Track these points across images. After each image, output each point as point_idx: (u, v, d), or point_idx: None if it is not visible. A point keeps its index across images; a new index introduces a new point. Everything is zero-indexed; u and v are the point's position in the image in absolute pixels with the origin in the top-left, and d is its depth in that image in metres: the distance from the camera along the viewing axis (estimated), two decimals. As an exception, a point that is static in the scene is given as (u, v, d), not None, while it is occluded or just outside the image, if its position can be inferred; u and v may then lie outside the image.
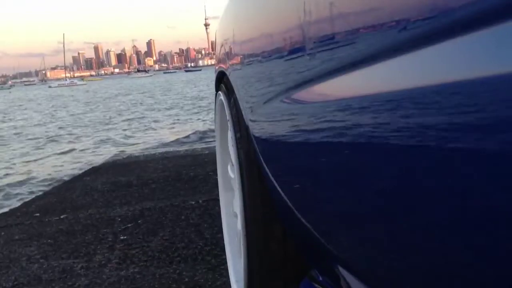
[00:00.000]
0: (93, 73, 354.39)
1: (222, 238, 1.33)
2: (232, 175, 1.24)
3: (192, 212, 1.83)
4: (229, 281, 1.14)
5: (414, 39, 0.32)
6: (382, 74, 0.37)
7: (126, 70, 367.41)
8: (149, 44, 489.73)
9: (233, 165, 1.06)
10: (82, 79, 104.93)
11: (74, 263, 1.50)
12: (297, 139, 0.61)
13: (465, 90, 0.28)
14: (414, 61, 0.33)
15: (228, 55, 1.07)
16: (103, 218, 1.91)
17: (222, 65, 1.15)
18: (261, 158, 0.81)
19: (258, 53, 0.80)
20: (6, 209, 2.57)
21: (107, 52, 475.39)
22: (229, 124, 1.00)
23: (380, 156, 0.38)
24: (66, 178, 3.45)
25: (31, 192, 3.40)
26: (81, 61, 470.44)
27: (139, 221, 1.83)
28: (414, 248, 0.38)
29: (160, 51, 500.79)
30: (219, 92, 1.20)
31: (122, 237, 1.64)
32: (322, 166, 0.53)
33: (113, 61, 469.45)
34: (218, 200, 1.39)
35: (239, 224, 0.96)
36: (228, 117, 1.02)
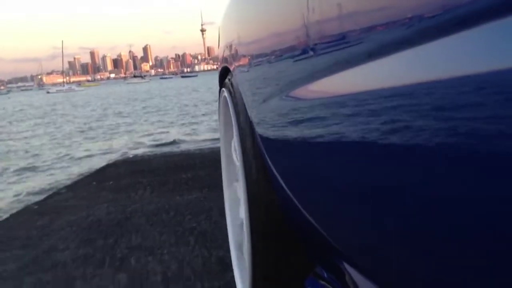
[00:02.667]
0: (89, 78, 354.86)
1: (205, 184, 2.69)
2: (236, 171, 1.28)
3: (185, 179, 3.24)
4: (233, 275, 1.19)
5: (412, 36, 0.33)
6: (380, 72, 0.38)
7: (122, 75, 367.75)
8: (145, 49, 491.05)
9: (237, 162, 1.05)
10: (79, 84, 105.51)
11: (126, 194, 2.92)
12: (301, 135, 0.60)
13: (459, 88, 0.28)
14: (414, 58, 0.33)
15: (232, 51, 1.07)
16: (134, 182, 3.33)
17: (225, 62, 1.15)
18: (266, 154, 0.82)
19: (261, 50, 0.80)
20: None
21: (103, 57, 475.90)
22: (233, 120, 1.01)
23: (384, 152, 0.38)
24: (96, 167, 4.82)
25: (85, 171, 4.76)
26: (77, 66, 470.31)
27: (155, 183, 3.24)
28: (419, 244, 0.38)
29: (157, 56, 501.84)
30: (223, 88, 1.20)
31: (148, 187, 3.06)
32: (327, 162, 0.53)
33: (109, 66, 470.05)
34: (200, 176, 2.58)
35: (244, 223, 0.97)
36: (232, 113, 1.02)
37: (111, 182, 3.28)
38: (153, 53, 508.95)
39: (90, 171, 4.51)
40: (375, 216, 0.44)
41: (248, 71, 0.92)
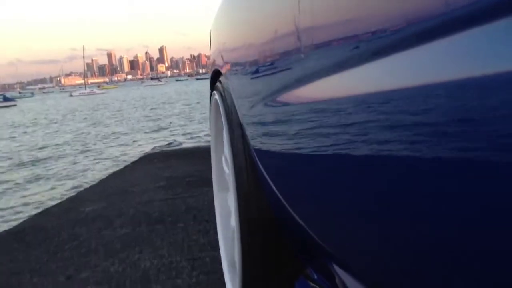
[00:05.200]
0: (106, 79, 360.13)
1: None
2: (227, 174, 1.26)
3: (196, 158, 4.78)
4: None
5: (396, 41, 0.33)
6: (370, 75, 0.38)
7: (139, 76, 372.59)
8: (161, 50, 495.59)
9: (228, 163, 1.05)
10: (98, 87, 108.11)
11: (163, 166, 5.36)
12: (291, 138, 0.60)
13: (452, 91, 0.28)
14: (397, 63, 0.34)
15: (223, 54, 1.07)
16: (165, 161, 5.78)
17: (217, 64, 1.15)
18: (256, 157, 0.82)
19: (252, 53, 0.80)
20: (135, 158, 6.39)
21: (120, 59, 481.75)
22: (224, 123, 1.00)
23: (373, 154, 0.38)
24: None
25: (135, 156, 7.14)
26: (95, 68, 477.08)
27: (181, 160, 5.56)
28: (408, 246, 0.38)
29: (172, 57, 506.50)
30: (214, 91, 1.19)
31: (178, 160, 5.57)
32: (318, 165, 0.53)
33: (126, 67, 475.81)
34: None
35: (233, 223, 0.96)
36: (223, 116, 1.02)
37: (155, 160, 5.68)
38: (169, 54, 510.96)
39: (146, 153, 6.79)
40: (365, 218, 0.44)
41: (238, 74, 0.92)
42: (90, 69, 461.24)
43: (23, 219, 2.88)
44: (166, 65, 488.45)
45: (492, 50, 0.25)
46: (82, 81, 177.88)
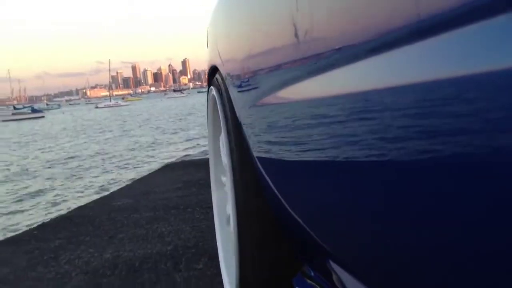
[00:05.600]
0: (130, 91, 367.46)
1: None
2: (224, 172, 1.26)
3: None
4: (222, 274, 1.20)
5: (392, 40, 0.33)
6: (369, 73, 0.38)
7: (162, 88, 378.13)
8: (184, 63, 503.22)
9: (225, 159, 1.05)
10: (123, 99, 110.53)
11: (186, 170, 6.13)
12: (289, 135, 0.60)
13: (448, 90, 0.28)
14: (393, 61, 0.34)
15: (220, 50, 1.06)
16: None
17: (214, 60, 1.15)
18: (254, 154, 0.82)
19: (248, 50, 0.80)
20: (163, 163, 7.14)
21: (144, 71, 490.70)
22: (221, 119, 1.00)
23: (371, 153, 0.38)
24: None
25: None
26: (119, 80, 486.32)
27: (198, 168, 6.05)
28: (404, 243, 0.38)
29: (195, 70, 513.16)
30: (212, 87, 1.20)
31: (192, 168, 6.30)
32: (315, 162, 0.53)
33: (150, 79, 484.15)
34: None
35: (231, 222, 0.96)
36: (220, 112, 1.02)
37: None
38: (192, 67, 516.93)
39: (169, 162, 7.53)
40: (362, 216, 0.44)
41: (235, 70, 0.92)
42: (115, 82, 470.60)
43: (67, 211, 3.63)
44: (189, 77, 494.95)
45: (482, 48, 0.25)
46: (107, 93, 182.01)
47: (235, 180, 0.90)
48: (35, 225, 3.03)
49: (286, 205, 0.71)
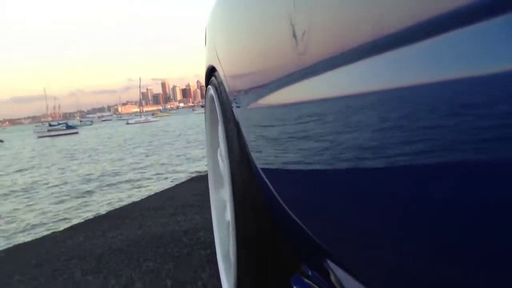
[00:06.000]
0: (160, 107, 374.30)
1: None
2: (222, 169, 1.26)
3: None
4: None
5: (383, 42, 0.34)
6: (361, 76, 0.38)
7: (191, 104, 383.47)
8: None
9: (223, 160, 1.05)
10: (153, 114, 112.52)
11: (203, 184, 6.81)
12: (286, 134, 0.60)
13: (444, 91, 0.28)
14: (384, 64, 0.34)
15: (218, 50, 1.06)
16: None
17: (212, 60, 1.15)
18: (251, 153, 0.82)
19: (248, 50, 0.80)
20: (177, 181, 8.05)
21: (173, 88, 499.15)
22: (219, 118, 1.00)
23: (368, 153, 0.38)
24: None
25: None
26: (149, 97, 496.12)
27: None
28: (402, 243, 0.38)
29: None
30: (209, 86, 1.20)
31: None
32: (311, 162, 0.53)
33: (179, 95, 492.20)
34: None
35: (230, 220, 0.96)
36: (218, 111, 1.02)
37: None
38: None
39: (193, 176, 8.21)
40: (360, 215, 0.44)
41: (233, 70, 0.92)
42: (145, 98, 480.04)
43: (108, 211, 4.54)
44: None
45: (482, 49, 0.24)
46: (138, 109, 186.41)
47: (233, 180, 0.89)
48: (84, 219, 4.09)
49: (284, 205, 0.71)
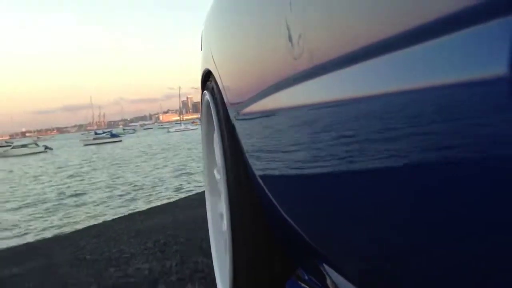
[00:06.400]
0: (199, 115, 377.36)
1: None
2: (218, 176, 1.27)
3: None
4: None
5: (378, 46, 0.34)
6: (357, 78, 0.38)
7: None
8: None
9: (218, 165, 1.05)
10: (193, 122, 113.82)
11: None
12: (282, 139, 0.60)
13: (439, 93, 0.28)
14: (378, 67, 0.34)
15: (214, 54, 1.06)
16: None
17: (208, 64, 1.14)
18: (247, 158, 0.82)
19: (243, 53, 0.80)
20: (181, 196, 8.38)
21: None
22: (215, 123, 1.00)
23: (362, 155, 0.38)
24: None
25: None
26: (189, 105, 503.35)
27: None
28: (397, 246, 0.38)
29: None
30: (205, 91, 1.19)
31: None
32: (306, 165, 0.53)
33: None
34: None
35: (224, 224, 0.96)
36: (214, 116, 1.02)
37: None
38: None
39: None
40: (355, 219, 0.44)
41: (229, 74, 0.92)
42: (185, 106, 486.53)
43: (147, 208, 5.44)
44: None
45: (482, 50, 0.24)
46: (178, 118, 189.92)
47: (229, 186, 0.89)
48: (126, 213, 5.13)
49: (280, 209, 0.71)
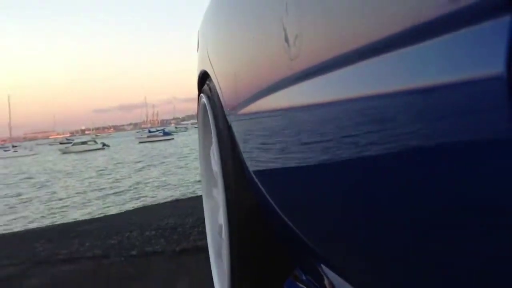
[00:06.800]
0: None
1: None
2: (215, 174, 1.26)
3: None
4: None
5: (375, 47, 0.34)
6: (354, 78, 0.38)
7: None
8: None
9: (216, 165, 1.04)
10: None
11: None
12: (278, 139, 0.60)
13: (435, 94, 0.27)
14: (375, 68, 0.34)
15: (210, 56, 1.05)
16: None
17: (204, 65, 1.13)
18: (244, 159, 0.82)
19: (240, 53, 0.79)
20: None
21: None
22: (212, 126, 1.00)
23: (359, 155, 0.38)
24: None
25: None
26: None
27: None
28: (395, 247, 0.38)
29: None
30: (202, 94, 1.18)
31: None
32: (305, 166, 0.53)
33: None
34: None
35: (223, 226, 0.96)
36: (210, 118, 1.01)
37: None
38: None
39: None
40: (353, 219, 0.44)
41: (226, 76, 0.91)
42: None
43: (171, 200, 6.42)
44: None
45: (482, 51, 0.24)
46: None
47: (226, 184, 0.89)
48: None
49: (278, 209, 0.71)
